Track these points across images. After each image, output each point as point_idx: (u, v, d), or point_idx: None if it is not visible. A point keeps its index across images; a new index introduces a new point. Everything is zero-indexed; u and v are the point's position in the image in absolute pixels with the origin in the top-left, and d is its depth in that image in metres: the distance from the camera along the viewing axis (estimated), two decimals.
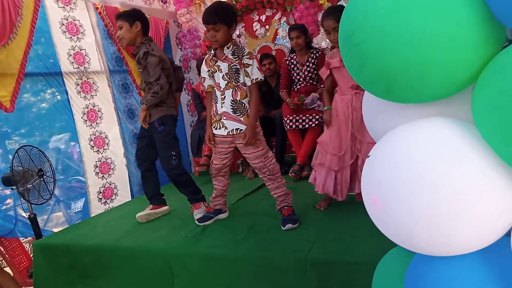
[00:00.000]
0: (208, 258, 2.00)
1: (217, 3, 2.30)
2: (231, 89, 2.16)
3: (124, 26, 2.38)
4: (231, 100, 2.17)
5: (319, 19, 3.74)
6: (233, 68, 2.14)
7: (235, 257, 1.95)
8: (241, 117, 2.18)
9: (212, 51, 2.22)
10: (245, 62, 2.12)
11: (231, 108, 2.18)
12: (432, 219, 0.65)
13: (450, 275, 0.67)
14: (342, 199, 2.34)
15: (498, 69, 0.60)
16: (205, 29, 2.24)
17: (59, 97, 3.07)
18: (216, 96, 2.23)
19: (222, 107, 2.19)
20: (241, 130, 2.18)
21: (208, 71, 2.22)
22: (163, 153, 2.49)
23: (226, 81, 2.16)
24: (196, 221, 2.42)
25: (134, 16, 2.41)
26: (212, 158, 2.37)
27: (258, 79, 2.14)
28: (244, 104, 2.18)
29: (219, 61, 2.16)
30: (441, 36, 0.61)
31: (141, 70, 2.46)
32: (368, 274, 1.61)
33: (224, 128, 2.21)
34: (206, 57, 2.27)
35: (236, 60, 2.13)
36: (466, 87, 0.67)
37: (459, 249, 0.67)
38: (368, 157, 0.76)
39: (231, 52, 2.14)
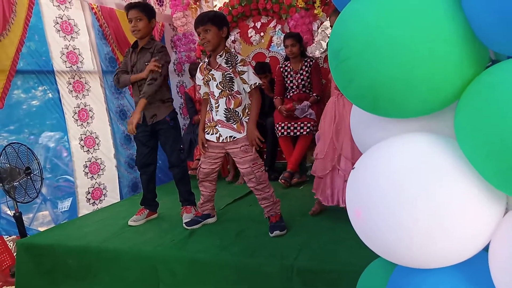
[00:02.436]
0: (194, 263, 2.00)
1: (209, 11, 2.36)
2: (225, 98, 2.18)
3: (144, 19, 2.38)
4: (225, 108, 2.19)
5: (314, 28, 3.79)
6: (227, 77, 2.15)
7: (221, 262, 1.95)
8: (234, 124, 2.20)
9: (206, 59, 2.23)
10: (239, 69, 2.13)
11: (225, 117, 2.20)
12: (412, 233, 0.66)
13: (430, 287, 0.69)
14: (331, 203, 2.31)
15: (481, 89, 0.62)
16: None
17: (50, 95, 3.05)
18: (211, 104, 2.25)
19: (216, 115, 2.21)
20: (235, 137, 2.20)
21: (203, 79, 2.24)
22: (173, 147, 2.51)
23: (220, 90, 2.18)
24: (184, 224, 2.42)
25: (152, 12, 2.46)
26: (200, 162, 2.36)
27: (257, 83, 2.15)
28: (238, 113, 2.20)
29: (213, 69, 2.18)
30: (424, 52, 0.63)
31: (147, 64, 2.42)
32: (353, 282, 1.63)
33: (218, 134, 2.22)
34: (200, 65, 2.29)
35: (230, 69, 2.14)
36: (450, 104, 0.69)
37: (438, 263, 0.69)
38: (353, 169, 0.78)
39: (224, 61, 2.15)
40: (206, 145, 2.28)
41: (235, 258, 1.94)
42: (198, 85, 2.30)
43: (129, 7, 2.41)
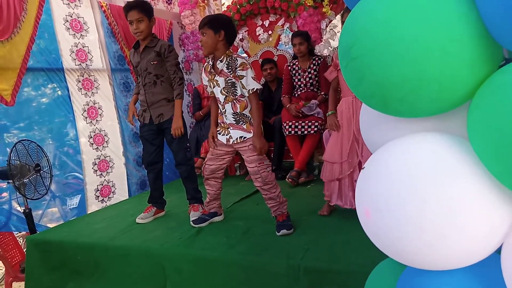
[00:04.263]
0: (201, 261, 2.00)
1: (211, 14, 2.34)
2: (230, 103, 2.20)
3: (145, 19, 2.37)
4: (232, 113, 2.21)
5: (322, 27, 3.76)
6: (229, 82, 2.16)
7: (228, 261, 1.95)
8: (244, 125, 2.22)
9: (210, 62, 2.23)
10: (238, 74, 2.12)
11: (234, 120, 2.22)
12: (423, 234, 0.65)
13: None
14: (348, 206, 2.28)
15: (494, 88, 0.61)
16: None
17: (59, 92, 3.08)
18: (220, 108, 2.27)
19: (226, 119, 2.24)
20: (245, 137, 2.21)
21: (208, 81, 2.25)
22: (180, 145, 2.52)
23: (225, 95, 2.19)
24: (191, 222, 2.43)
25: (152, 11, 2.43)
26: (206, 159, 2.36)
27: (255, 89, 2.13)
28: (245, 115, 2.22)
29: (217, 75, 2.19)
30: (437, 51, 0.61)
31: (156, 62, 2.44)
32: (360, 283, 1.62)
33: (229, 136, 2.24)
34: (205, 66, 2.29)
35: (231, 74, 2.14)
36: (462, 104, 0.68)
37: (449, 264, 0.68)
38: (363, 168, 0.77)
39: (225, 66, 2.15)
40: (216, 140, 2.29)
41: (242, 256, 1.94)
42: (205, 84, 2.31)
43: (129, 8, 2.37)
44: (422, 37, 0.61)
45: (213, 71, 2.20)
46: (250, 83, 2.11)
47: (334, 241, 1.99)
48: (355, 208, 2.31)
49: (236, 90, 2.16)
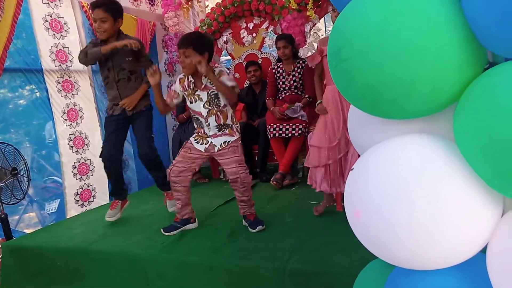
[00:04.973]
0: (184, 265, 1.97)
1: (192, 32, 2.32)
2: (213, 116, 2.23)
3: (109, 20, 2.33)
4: (216, 125, 2.25)
5: (306, 30, 3.79)
6: (212, 95, 2.20)
7: (212, 265, 1.92)
8: (226, 130, 2.27)
9: (191, 78, 2.22)
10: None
11: (217, 130, 2.26)
12: (411, 235, 0.66)
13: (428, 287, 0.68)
14: (341, 191, 2.26)
15: (479, 91, 0.62)
16: None
17: (38, 94, 2.99)
18: (201, 122, 2.27)
19: (209, 131, 2.26)
20: (229, 141, 2.25)
21: (187, 96, 2.25)
22: (146, 133, 2.50)
23: (208, 109, 2.22)
24: (162, 230, 2.32)
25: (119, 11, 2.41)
26: (174, 161, 2.31)
27: (233, 85, 2.18)
28: (228, 124, 2.26)
29: (199, 90, 2.21)
30: (427, 54, 0.62)
31: (131, 59, 2.42)
32: (346, 285, 1.62)
33: (208, 145, 2.26)
34: (180, 78, 2.27)
35: (213, 86, 2.17)
36: (449, 106, 0.68)
37: (437, 264, 0.68)
38: (352, 169, 0.77)
39: (209, 81, 2.17)
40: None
41: (226, 260, 1.92)
42: (174, 91, 2.28)
43: (94, 6, 2.33)
44: (413, 41, 0.62)
45: (195, 88, 2.21)
46: (225, 80, 2.16)
47: (319, 243, 1.99)
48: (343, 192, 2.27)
49: (220, 101, 2.21)
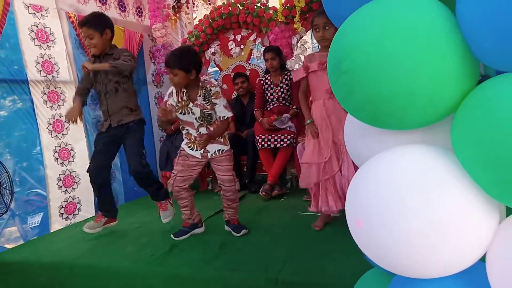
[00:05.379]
0: (176, 278, 1.94)
1: (179, 48, 2.33)
2: (204, 127, 2.29)
3: (95, 35, 2.34)
4: (206, 133, 2.28)
5: (293, 42, 3.84)
6: (206, 114, 2.26)
7: (204, 277, 1.90)
8: (220, 139, 2.32)
9: (184, 89, 2.24)
10: (212, 101, 2.24)
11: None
12: (412, 244, 0.67)
13: None
14: (335, 210, 2.23)
15: (476, 103, 0.64)
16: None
17: (20, 104, 2.92)
18: (190, 131, 2.31)
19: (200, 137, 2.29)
20: (223, 150, 2.32)
21: (180, 108, 2.26)
22: (135, 150, 2.45)
23: (199, 123, 2.28)
24: (172, 236, 2.37)
25: (104, 24, 2.39)
26: (176, 172, 2.33)
27: (225, 117, 2.26)
28: None
29: (191, 104, 2.25)
30: (424, 68, 0.64)
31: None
32: None
33: (203, 151, 2.30)
34: (176, 89, 2.26)
35: (208, 105, 2.23)
36: (447, 117, 0.71)
37: (437, 273, 0.69)
38: (353, 180, 0.78)
39: (202, 98, 2.23)
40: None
41: (218, 272, 1.90)
42: (170, 104, 2.27)
43: (80, 25, 2.39)
44: (412, 56, 0.64)
45: (188, 100, 2.25)
46: (222, 111, 2.25)
47: (310, 254, 1.99)
48: (341, 208, 2.21)
49: (212, 118, 2.28)
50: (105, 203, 2.59)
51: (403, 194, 0.67)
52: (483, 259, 0.69)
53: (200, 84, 2.23)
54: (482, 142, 0.61)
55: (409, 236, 0.66)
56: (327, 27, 2.13)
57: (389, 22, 0.66)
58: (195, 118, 2.26)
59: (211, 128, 2.28)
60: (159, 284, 1.96)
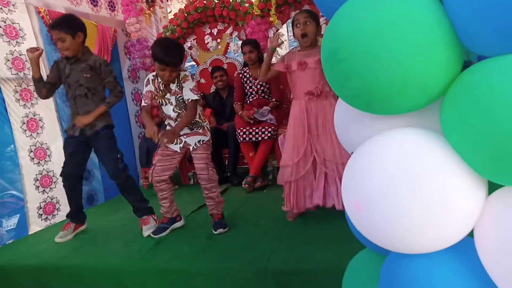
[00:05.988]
0: (165, 273, 1.94)
1: (173, 43, 2.29)
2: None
3: (67, 38, 2.30)
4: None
5: (270, 35, 3.87)
6: (180, 99, 2.26)
7: (194, 270, 1.91)
8: (199, 130, 2.32)
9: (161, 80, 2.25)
10: (182, 85, 2.23)
11: (188, 128, 2.29)
12: (406, 223, 0.71)
13: (423, 268, 0.75)
14: (302, 210, 2.35)
15: (462, 88, 0.69)
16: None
17: None
18: (169, 122, 2.32)
19: (181, 131, 2.27)
20: (204, 140, 2.31)
21: (158, 98, 2.28)
22: (109, 155, 2.42)
23: (177, 113, 2.28)
24: (151, 234, 2.34)
25: (76, 27, 2.35)
26: (155, 162, 2.33)
27: (190, 100, 2.22)
28: (197, 121, 2.30)
29: (168, 94, 2.26)
30: (417, 55, 0.68)
31: (89, 75, 2.37)
32: (327, 279, 1.68)
33: (183, 144, 2.30)
34: (153, 78, 2.27)
35: (179, 89, 2.24)
36: (436, 100, 0.75)
37: (430, 247, 0.75)
38: (348, 165, 0.82)
39: (176, 85, 2.24)
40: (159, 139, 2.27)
41: (207, 264, 1.92)
42: (148, 91, 2.27)
43: (51, 28, 2.35)
44: (405, 45, 0.68)
45: (165, 90, 2.26)
46: (187, 93, 2.22)
47: (297, 242, 2.04)
48: (314, 206, 2.31)
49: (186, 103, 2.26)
50: (76, 208, 2.55)
51: (394, 176, 0.72)
52: (471, 235, 0.75)
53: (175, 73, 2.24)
54: (469, 124, 0.66)
55: (402, 216, 0.70)
56: (308, 22, 2.18)
57: (382, 12, 0.69)
58: (172, 109, 2.27)
59: None
60: (149, 279, 1.96)
